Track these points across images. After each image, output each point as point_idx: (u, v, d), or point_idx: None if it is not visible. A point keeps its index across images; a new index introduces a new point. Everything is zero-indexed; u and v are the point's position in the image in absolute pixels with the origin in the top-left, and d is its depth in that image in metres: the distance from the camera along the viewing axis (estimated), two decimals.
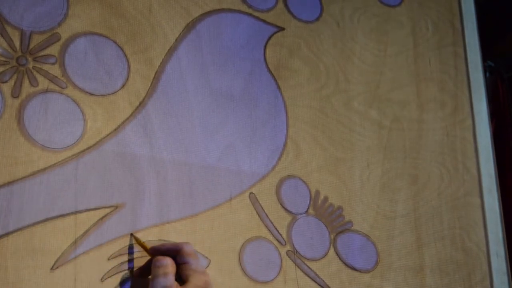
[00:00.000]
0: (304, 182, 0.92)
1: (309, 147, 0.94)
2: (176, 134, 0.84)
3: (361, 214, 0.95)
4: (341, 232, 0.93)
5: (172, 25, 0.88)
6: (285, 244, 0.88)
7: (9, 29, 0.76)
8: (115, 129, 0.80)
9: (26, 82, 0.75)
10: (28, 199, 0.72)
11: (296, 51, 0.98)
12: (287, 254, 0.87)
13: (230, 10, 0.94)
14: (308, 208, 0.91)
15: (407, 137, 1.04)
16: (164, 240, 0.79)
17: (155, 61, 0.85)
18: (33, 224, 0.71)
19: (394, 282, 0.94)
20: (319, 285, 0.88)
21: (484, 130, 1.11)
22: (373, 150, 1.00)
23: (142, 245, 0.76)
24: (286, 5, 0.99)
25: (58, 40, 0.79)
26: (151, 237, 0.78)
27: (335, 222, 0.93)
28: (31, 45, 0.77)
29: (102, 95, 0.80)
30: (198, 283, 0.72)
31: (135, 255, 0.77)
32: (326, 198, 0.93)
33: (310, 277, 0.88)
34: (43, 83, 0.76)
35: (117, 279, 0.75)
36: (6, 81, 0.74)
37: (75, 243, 0.73)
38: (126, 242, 0.77)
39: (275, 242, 0.87)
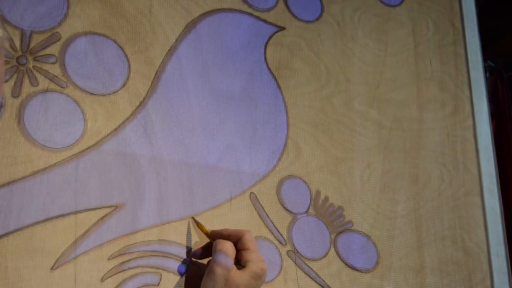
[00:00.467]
0: (304, 182, 0.92)
1: (309, 147, 0.94)
2: (176, 134, 0.84)
3: (361, 214, 0.95)
4: (342, 232, 0.93)
5: (172, 25, 0.88)
6: (286, 244, 0.88)
7: (9, 29, 0.76)
8: (115, 129, 0.80)
9: (26, 82, 0.75)
10: (28, 199, 0.72)
11: (296, 51, 0.98)
12: (287, 254, 0.87)
13: (230, 10, 0.94)
14: (309, 208, 0.91)
15: (408, 137, 1.04)
16: (164, 240, 0.79)
17: (155, 61, 0.85)
18: (33, 224, 0.71)
19: (394, 282, 0.94)
20: (320, 285, 0.88)
21: (484, 130, 1.11)
22: (373, 150, 0.99)
23: (202, 228, 0.80)
24: (286, 5, 0.99)
25: (59, 39, 0.79)
26: (151, 237, 0.78)
27: (335, 222, 0.93)
28: (31, 45, 0.77)
29: (103, 95, 0.80)
30: (256, 270, 0.75)
31: (134, 255, 0.77)
32: (326, 198, 0.93)
33: (311, 277, 0.88)
34: (43, 82, 0.76)
35: (117, 279, 0.75)
36: (6, 81, 0.74)
37: (75, 243, 0.73)
38: (126, 242, 0.76)
39: (276, 242, 0.87)
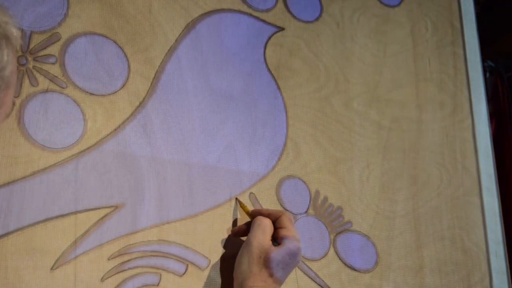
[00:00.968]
0: (304, 182, 0.92)
1: (308, 147, 0.94)
2: (176, 134, 0.84)
3: (360, 214, 0.96)
4: (341, 232, 0.93)
5: (172, 25, 0.88)
6: None
7: None
8: (115, 129, 0.80)
9: (26, 82, 0.75)
10: (28, 199, 0.72)
11: (296, 51, 0.98)
12: None
13: (230, 10, 0.94)
14: (308, 208, 0.91)
15: (407, 137, 1.04)
16: (164, 240, 0.79)
17: (155, 61, 0.85)
18: (33, 224, 0.71)
19: (393, 282, 0.94)
20: (319, 285, 0.88)
21: (483, 130, 1.11)
22: (372, 150, 1.00)
23: (244, 208, 0.84)
24: (286, 5, 0.99)
25: (58, 40, 0.79)
26: (151, 237, 0.78)
27: (334, 222, 0.93)
28: (31, 45, 0.77)
29: (102, 95, 0.80)
30: (292, 247, 0.78)
31: (134, 255, 0.77)
32: (325, 198, 0.93)
33: (310, 277, 0.88)
34: (43, 83, 0.76)
35: (117, 279, 0.75)
36: None
37: (75, 243, 0.73)
38: (126, 242, 0.77)
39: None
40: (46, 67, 0.77)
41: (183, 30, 0.89)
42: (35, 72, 0.76)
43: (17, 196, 0.71)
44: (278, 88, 0.95)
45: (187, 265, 0.80)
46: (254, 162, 0.89)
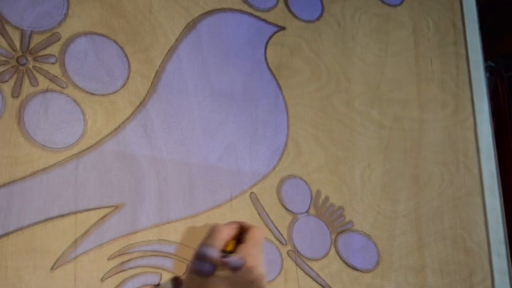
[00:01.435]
0: (305, 182, 0.92)
1: (309, 147, 0.94)
2: (176, 134, 0.84)
3: (362, 214, 0.95)
4: (342, 232, 0.93)
5: (172, 25, 0.88)
6: (286, 244, 0.88)
7: (9, 29, 0.76)
8: (115, 129, 0.80)
9: (26, 82, 0.75)
10: (28, 199, 0.71)
11: (296, 50, 0.97)
12: (288, 254, 0.87)
13: (230, 10, 0.93)
14: (309, 208, 0.91)
15: (408, 137, 1.04)
16: (164, 240, 0.79)
17: (155, 61, 0.85)
18: (33, 224, 0.71)
19: (395, 282, 0.94)
20: (320, 285, 0.88)
21: (485, 129, 1.11)
22: (374, 150, 0.99)
23: None
24: (286, 4, 0.99)
25: (58, 40, 0.79)
26: (151, 237, 0.78)
27: (336, 222, 0.93)
28: (31, 45, 0.77)
29: (103, 95, 0.80)
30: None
31: (134, 255, 0.77)
32: (327, 198, 0.93)
33: (311, 277, 0.88)
34: (43, 83, 0.76)
35: (117, 279, 0.75)
36: (6, 81, 0.74)
37: (75, 243, 0.73)
38: (126, 242, 0.76)
39: (276, 242, 0.87)
40: (46, 67, 0.77)
41: (183, 30, 0.89)
42: (35, 72, 0.76)
43: (17, 196, 0.71)
44: (279, 87, 0.95)
45: (188, 265, 0.79)
46: (255, 162, 0.89)
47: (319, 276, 0.88)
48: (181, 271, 0.79)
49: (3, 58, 0.75)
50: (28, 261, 0.70)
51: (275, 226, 0.88)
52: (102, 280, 0.74)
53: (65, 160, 0.75)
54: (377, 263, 0.94)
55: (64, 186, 0.74)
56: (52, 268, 0.71)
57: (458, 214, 1.03)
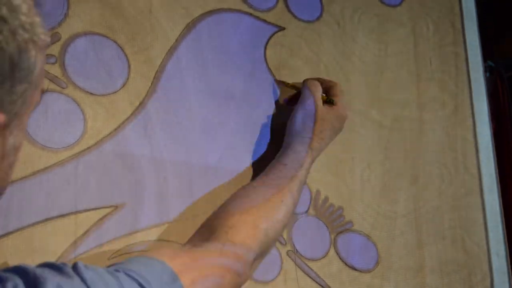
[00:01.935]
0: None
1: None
2: (176, 134, 0.84)
3: (361, 214, 0.95)
4: (342, 232, 0.93)
5: (172, 25, 0.88)
6: (286, 244, 0.88)
7: None
8: (115, 129, 0.80)
9: None
10: (28, 199, 0.71)
11: (296, 51, 0.97)
12: (287, 254, 0.87)
13: (230, 10, 0.93)
14: (309, 208, 0.91)
15: (408, 137, 1.04)
16: (164, 240, 0.79)
17: (155, 61, 0.85)
18: (33, 224, 0.71)
19: (394, 282, 0.94)
20: (320, 285, 0.88)
21: (484, 130, 1.11)
22: (373, 150, 0.99)
23: (287, 83, 0.92)
24: (286, 5, 0.99)
25: (58, 40, 0.79)
26: (151, 237, 0.78)
27: (335, 222, 0.93)
28: None
29: (103, 95, 0.80)
30: (342, 112, 0.87)
31: (134, 255, 0.77)
32: (326, 198, 0.93)
33: (311, 277, 0.88)
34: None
35: None
36: None
37: (75, 243, 0.73)
38: (126, 242, 0.76)
39: (276, 242, 0.87)
40: (46, 67, 0.77)
41: (183, 30, 0.89)
42: None
43: (17, 196, 0.71)
44: (279, 88, 0.95)
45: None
46: (255, 162, 0.89)
47: (319, 276, 0.89)
48: None
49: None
50: (28, 261, 0.70)
51: None
52: None
53: (65, 160, 0.75)
54: (377, 263, 0.94)
55: (64, 186, 0.74)
56: None
57: (458, 214, 1.03)
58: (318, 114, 0.85)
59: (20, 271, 0.51)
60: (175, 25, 0.88)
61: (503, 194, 1.10)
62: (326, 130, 0.85)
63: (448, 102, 1.09)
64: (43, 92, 0.52)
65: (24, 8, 0.45)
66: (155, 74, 0.85)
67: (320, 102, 0.86)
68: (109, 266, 0.60)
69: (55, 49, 0.78)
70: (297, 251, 0.88)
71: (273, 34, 0.96)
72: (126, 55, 0.83)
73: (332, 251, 0.91)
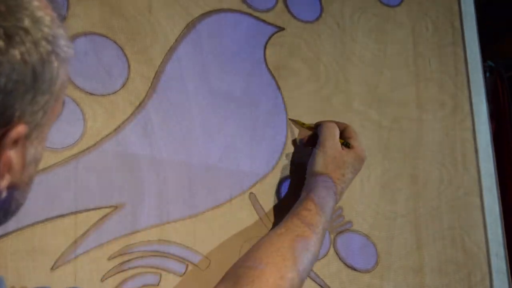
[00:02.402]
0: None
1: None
2: (176, 134, 0.84)
3: (361, 214, 0.95)
4: (341, 232, 0.93)
5: (172, 25, 0.88)
6: None
7: None
8: (115, 129, 0.80)
9: None
10: (28, 199, 0.71)
11: (296, 51, 0.98)
12: None
13: (230, 10, 0.94)
14: None
15: (407, 137, 1.04)
16: (164, 240, 0.79)
17: (155, 61, 0.85)
18: (33, 224, 0.71)
19: (394, 282, 0.94)
20: (319, 285, 0.88)
21: (484, 130, 1.11)
22: (373, 150, 0.99)
23: (302, 123, 0.92)
24: (286, 5, 0.99)
25: None
26: (151, 237, 0.78)
27: (335, 222, 0.93)
28: None
29: (102, 95, 0.80)
30: (361, 153, 0.87)
31: (134, 255, 0.77)
32: None
33: (310, 277, 0.88)
34: None
35: (117, 279, 0.75)
36: None
37: (75, 243, 0.73)
38: (126, 242, 0.77)
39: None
40: None
41: (183, 30, 0.89)
42: None
43: None
44: (278, 88, 0.95)
45: (187, 265, 0.80)
46: (255, 162, 0.89)
47: (318, 276, 0.89)
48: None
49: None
50: (28, 261, 0.70)
51: None
52: (102, 280, 0.74)
53: (65, 160, 0.75)
54: (376, 263, 0.94)
55: (64, 186, 0.74)
56: (52, 268, 0.71)
57: (457, 214, 1.04)
58: (339, 158, 0.85)
59: None
60: (175, 25, 0.88)
61: (502, 194, 1.10)
62: (348, 174, 0.86)
63: (447, 102, 1.09)
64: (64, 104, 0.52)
65: (47, 20, 0.45)
66: (155, 74, 0.85)
67: (339, 146, 0.86)
68: None
69: None
70: None
71: (272, 34, 0.96)
72: (126, 55, 0.83)
73: (331, 251, 0.91)
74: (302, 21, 1.00)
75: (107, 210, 0.76)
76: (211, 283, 0.79)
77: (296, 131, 0.94)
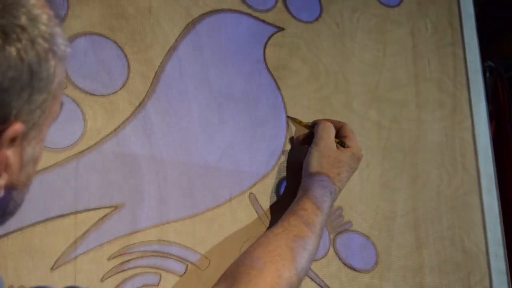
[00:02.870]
0: None
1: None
2: (176, 134, 0.84)
3: (360, 214, 0.96)
4: (341, 232, 0.93)
5: (172, 25, 0.88)
6: None
7: None
8: (115, 129, 0.80)
9: None
10: (28, 199, 0.71)
11: (295, 51, 0.98)
12: None
13: (230, 10, 0.94)
14: None
15: (406, 138, 1.04)
16: (164, 240, 0.79)
17: (155, 61, 0.85)
18: (33, 224, 0.71)
19: (393, 282, 0.94)
20: (319, 285, 0.88)
21: (483, 130, 1.11)
22: (372, 150, 1.00)
23: (300, 121, 0.92)
24: (285, 5, 0.99)
25: None
26: (151, 237, 0.78)
27: (334, 222, 0.93)
28: None
29: (102, 95, 0.80)
30: (357, 152, 0.87)
31: (134, 255, 0.77)
32: None
33: (310, 277, 0.88)
34: None
35: (117, 279, 0.75)
36: None
37: (75, 243, 0.73)
38: (126, 242, 0.77)
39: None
40: None
41: (183, 30, 0.89)
42: None
43: None
44: (278, 88, 0.95)
45: (187, 265, 0.80)
46: (254, 162, 0.89)
47: (318, 276, 0.89)
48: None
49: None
50: (28, 261, 0.70)
51: None
52: (102, 280, 0.74)
53: (65, 160, 0.75)
54: (376, 263, 0.94)
55: (64, 186, 0.74)
56: (52, 268, 0.71)
57: (456, 214, 1.04)
58: (335, 157, 0.85)
59: None
60: (175, 25, 0.88)
61: (501, 194, 1.10)
62: (344, 172, 0.85)
63: (446, 103, 1.09)
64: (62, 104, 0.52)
65: (44, 18, 0.45)
66: (155, 74, 0.85)
67: (334, 145, 0.86)
68: None
69: None
70: None
71: (272, 35, 0.97)
72: (126, 55, 0.83)
73: (331, 251, 0.91)
74: (301, 21, 1.00)
75: (107, 210, 0.76)
76: (211, 283, 0.79)
77: (295, 130, 0.94)
